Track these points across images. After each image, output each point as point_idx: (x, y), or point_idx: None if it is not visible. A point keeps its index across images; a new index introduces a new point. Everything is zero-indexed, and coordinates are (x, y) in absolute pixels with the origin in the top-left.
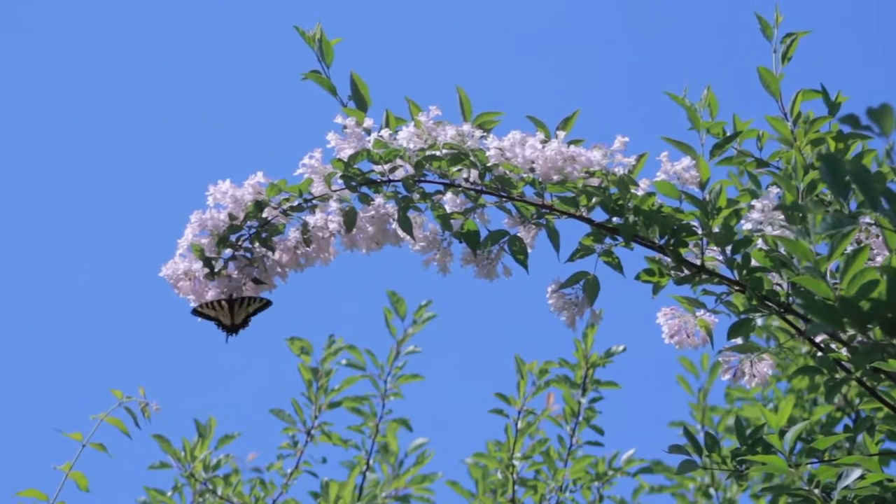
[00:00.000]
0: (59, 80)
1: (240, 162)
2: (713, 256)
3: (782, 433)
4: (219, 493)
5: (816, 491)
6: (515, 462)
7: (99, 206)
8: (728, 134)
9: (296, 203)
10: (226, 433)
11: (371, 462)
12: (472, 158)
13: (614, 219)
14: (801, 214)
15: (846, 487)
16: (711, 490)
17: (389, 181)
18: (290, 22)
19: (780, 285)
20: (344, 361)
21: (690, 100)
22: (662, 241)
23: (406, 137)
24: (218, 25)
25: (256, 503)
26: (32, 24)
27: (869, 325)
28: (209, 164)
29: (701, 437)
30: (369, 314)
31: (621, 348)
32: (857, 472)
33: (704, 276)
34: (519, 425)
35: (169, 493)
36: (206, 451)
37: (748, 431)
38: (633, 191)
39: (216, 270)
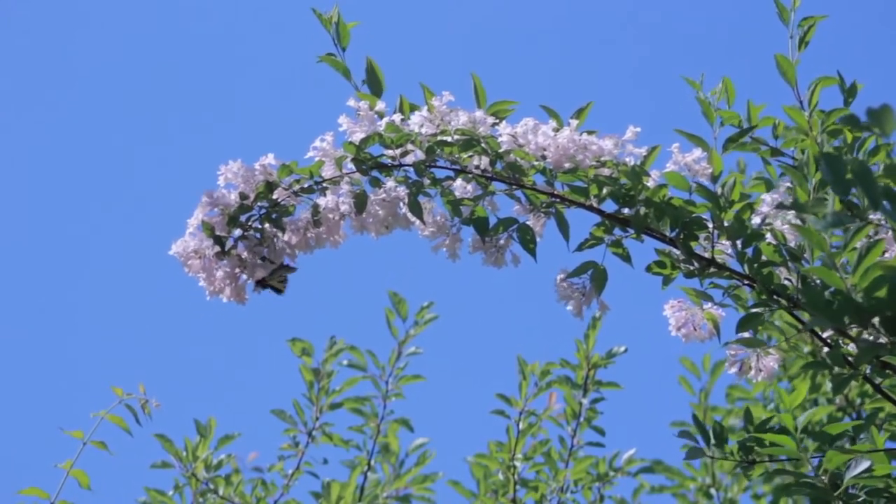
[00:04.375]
0: (64, 68)
1: (249, 148)
2: (722, 250)
3: (795, 414)
4: (220, 492)
5: (824, 479)
6: (517, 463)
7: (101, 204)
8: (743, 121)
9: (306, 185)
10: (226, 433)
11: (372, 462)
12: (483, 145)
13: (625, 210)
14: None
15: (854, 477)
16: (712, 490)
17: (400, 165)
18: (303, 5)
19: (789, 280)
20: (345, 362)
21: (706, 87)
22: (673, 234)
23: (418, 122)
24: (230, 9)
25: (258, 503)
26: (35, 18)
27: (872, 322)
28: (215, 158)
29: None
30: (371, 315)
31: (623, 349)
32: (865, 463)
33: (714, 270)
34: (520, 426)
35: (170, 493)
36: (208, 450)
37: (757, 424)
38: (644, 182)
39: (226, 249)
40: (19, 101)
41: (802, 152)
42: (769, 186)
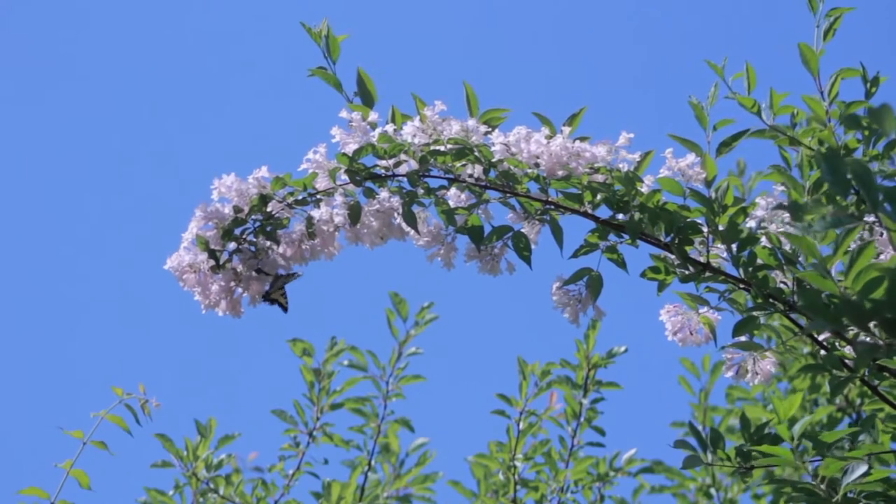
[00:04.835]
0: (60, 76)
1: (244, 158)
2: (717, 254)
3: (791, 423)
4: (221, 492)
5: (822, 485)
6: (517, 463)
7: (102, 203)
8: (763, 109)
9: (300, 197)
10: (226, 433)
11: (373, 462)
12: (476, 154)
13: (619, 215)
14: (802, 213)
15: (852, 482)
16: (712, 490)
17: (394, 176)
18: (295, 18)
19: (784, 283)
20: (346, 363)
21: (727, 73)
22: (668, 239)
23: (411, 132)
24: (223, 22)
25: (258, 503)
26: (35, 22)
27: (870, 325)
28: (212, 161)
29: (706, 432)
30: (371, 316)
31: (623, 349)
32: (863, 468)
33: (709, 274)
34: (521, 426)
35: (170, 493)
36: (208, 450)
37: (753, 428)
38: (638, 188)
39: (221, 263)
40: (17, 103)
41: (820, 143)
42: (784, 176)
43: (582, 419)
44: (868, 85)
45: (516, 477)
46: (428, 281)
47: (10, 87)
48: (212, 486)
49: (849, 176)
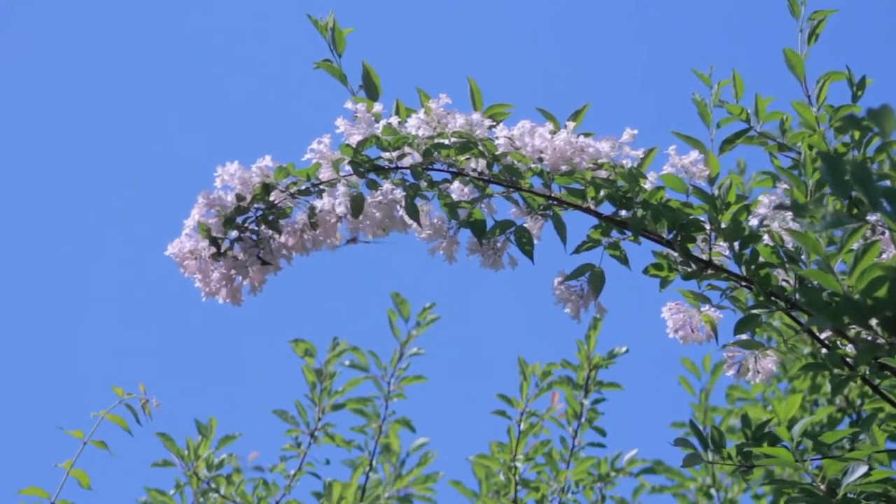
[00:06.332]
0: (60, 76)
1: (243, 158)
2: (720, 252)
3: (790, 424)
4: (222, 492)
5: (822, 486)
6: (518, 463)
7: (102, 203)
8: (750, 115)
9: (303, 187)
10: (227, 433)
11: (374, 462)
12: (480, 148)
13: (622, 212)
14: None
15: (852, 483)
16: (713, 490)
17: (397, 168)
18: (295, 17)
19: (786, 281)
20: (347, 363)
21: (714, 81)
22: (671, 236)
23: (415, 125)
24: (223, 22)
25: (259, 503)
26: (35, 22)
27: (871, 322)
28: (212, 161)
29: (706, 432)
30: (373, 316)
31: (624, 350)
32: (863, 468)
33: (711, 272)
34: (521, 427)
35: (171, 493)
36: (209, 450)
37: (754, 427)
38: (641, 184)
39: (222, 251)
40: (17, 103)
41: (810, 148)
42: (776, 181)
43: (583, 419)
44: (854, 88)
45: (517, 477)
46: (429, 281)
47: (10, 87)
48: (213, 485)
49: (847, 177)
